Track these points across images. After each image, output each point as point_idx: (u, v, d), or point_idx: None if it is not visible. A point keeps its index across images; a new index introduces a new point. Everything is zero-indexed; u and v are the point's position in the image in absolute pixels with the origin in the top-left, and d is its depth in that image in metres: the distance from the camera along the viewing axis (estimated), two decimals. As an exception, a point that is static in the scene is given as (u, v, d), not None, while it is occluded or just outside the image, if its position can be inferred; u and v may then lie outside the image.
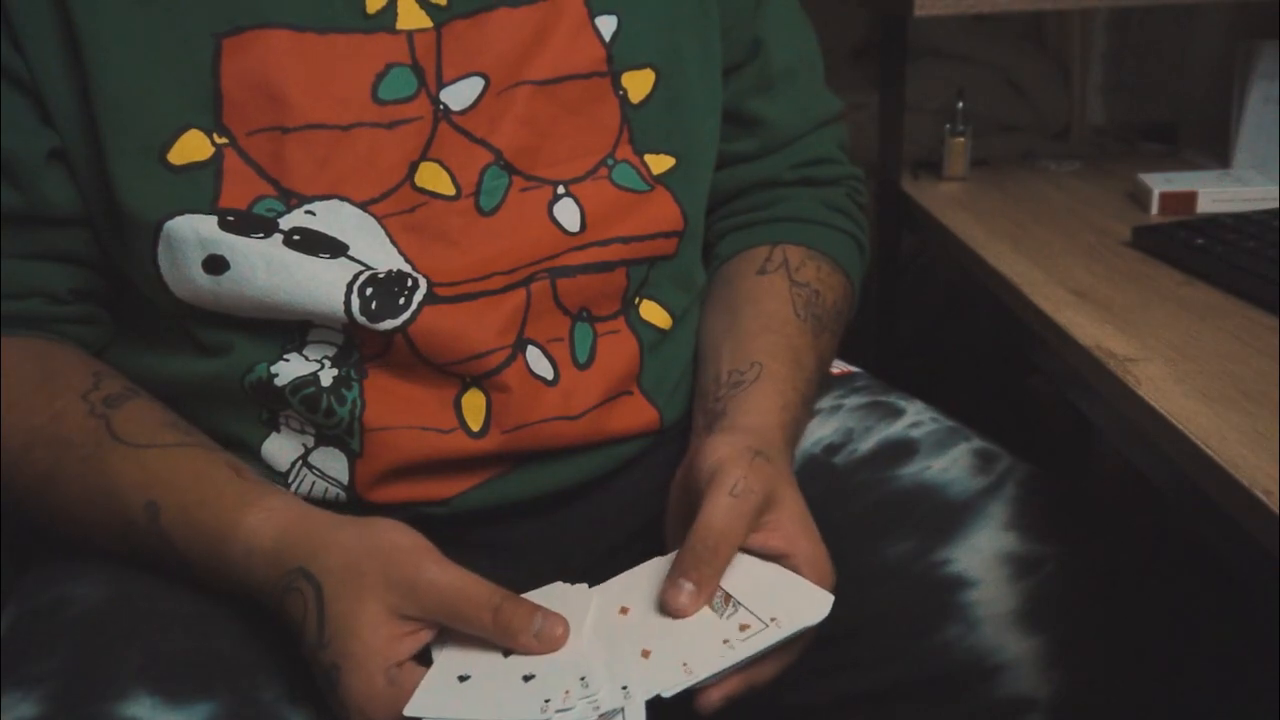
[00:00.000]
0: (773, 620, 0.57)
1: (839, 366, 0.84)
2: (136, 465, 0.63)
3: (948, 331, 1.58)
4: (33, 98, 0.64)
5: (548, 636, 0.57)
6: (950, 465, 0.72)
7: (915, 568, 0.68)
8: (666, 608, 0.59)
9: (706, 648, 0.57)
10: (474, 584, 0.57)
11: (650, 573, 0.62)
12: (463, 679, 0.56)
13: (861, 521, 0.70)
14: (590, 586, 0.63)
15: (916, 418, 0.76)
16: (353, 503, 0.67)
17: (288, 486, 0.68)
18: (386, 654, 0.56)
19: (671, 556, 0.61)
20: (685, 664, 0.56)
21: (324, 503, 0.68)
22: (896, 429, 0.75)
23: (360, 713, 0.56)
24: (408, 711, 0.55)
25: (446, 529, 0.69)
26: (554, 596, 0.61)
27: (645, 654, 0.57)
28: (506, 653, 0.58)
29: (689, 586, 0.58)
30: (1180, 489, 0.63)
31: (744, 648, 0.56)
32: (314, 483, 0.68)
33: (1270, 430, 0.60)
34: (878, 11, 1.29)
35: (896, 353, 1.36)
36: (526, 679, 0.56)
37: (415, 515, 0.68)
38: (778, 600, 0.59)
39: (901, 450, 0.74)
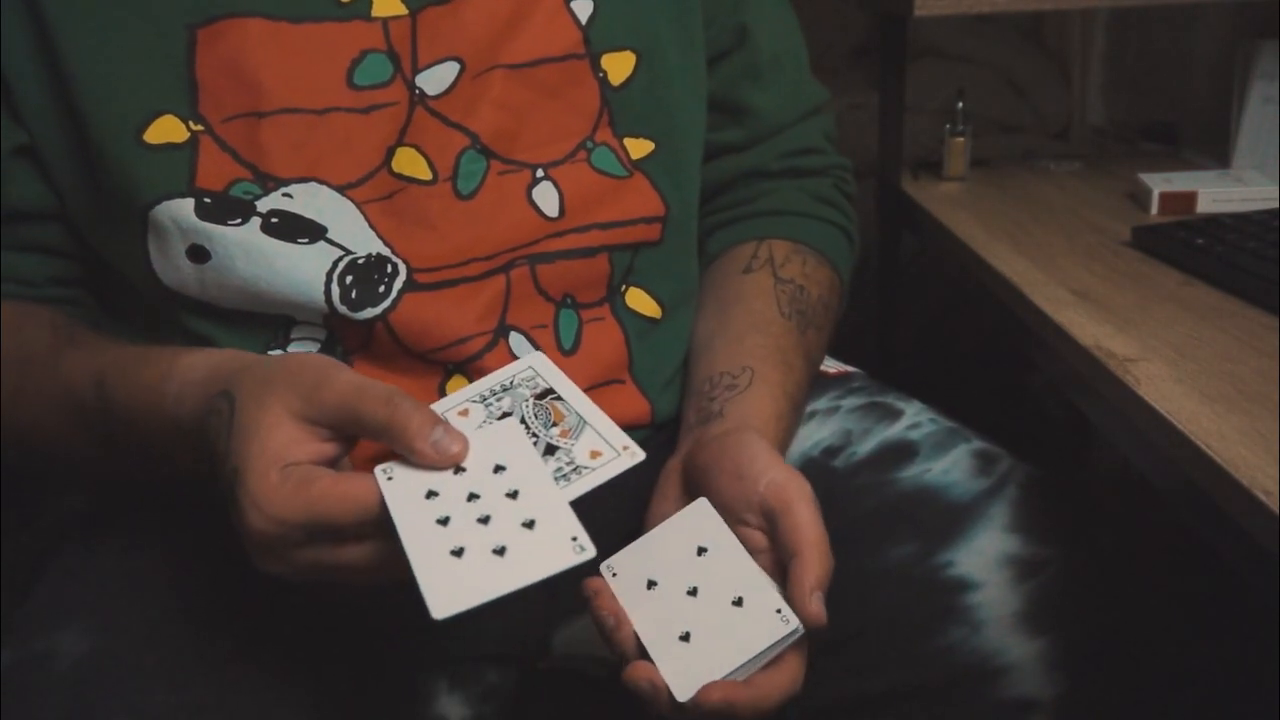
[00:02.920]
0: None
1: (835, 366, 0.83)
2: (88, 356, 0.63)
3: (948, 331, 1.58)
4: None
5: (444, 449, 0.53)
6: (951, 467, 0.72)
7: (917, 571, 0.68)
8: (814, 621, 0.57)
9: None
10: (373, 384, 0.54)
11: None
12: (456, 553, 0.52)
13: (862, 525, 0.70)
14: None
15: (915, 419, 0.76)
16: None
17: None
18: (282, 453, 0.53)
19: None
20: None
21: None
22: (895, 430, 0.75)
23: (254, 507, 0.52)
24: (437, 615, 0.50)
25: None
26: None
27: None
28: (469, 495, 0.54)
29: (819, 596, 0.57)
30: (1180, 489, 0.63)
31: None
32: None
33: (1270, 430, 0.60)
34: (878, 11, 1.29)
35: (896, 353, 1.36)
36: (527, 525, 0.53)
37: None
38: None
39: (901, 452, 0.73)
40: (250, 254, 0.64)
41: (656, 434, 0.74)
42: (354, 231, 0.66)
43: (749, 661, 0.56)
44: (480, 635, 0.69)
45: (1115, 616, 0.67)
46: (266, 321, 0.66)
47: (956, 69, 1.49)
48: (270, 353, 0.67)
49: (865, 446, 0.74)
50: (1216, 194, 1.03)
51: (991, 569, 0.67)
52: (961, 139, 1.20)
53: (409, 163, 0.67)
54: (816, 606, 0.56)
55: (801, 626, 0.56)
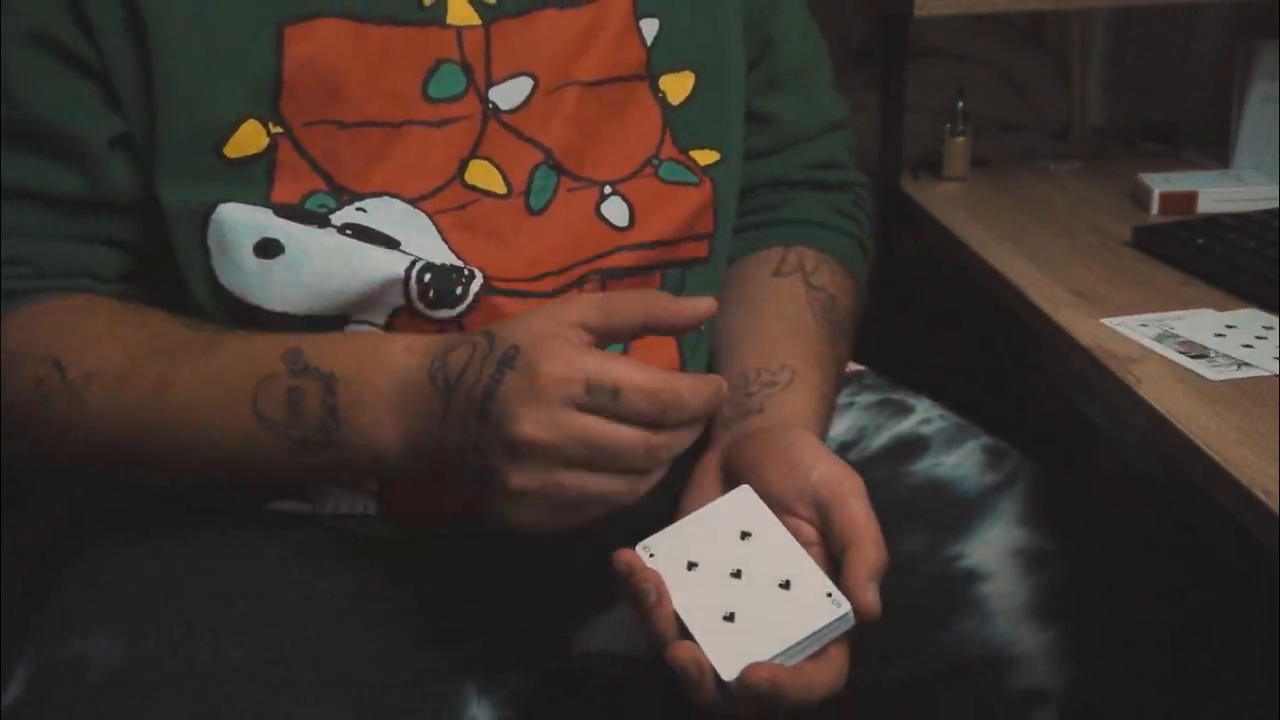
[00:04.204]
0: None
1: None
2: (265, 334, 0.62)
3: (948, 332, 1.58)
4: (101, 83, 0.63)
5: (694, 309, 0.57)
6: (962, 461, 0.73)
7: (929, 563, 0.69)
8: (870, 612, 0.56)
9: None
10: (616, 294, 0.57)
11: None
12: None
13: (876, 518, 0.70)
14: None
15: (926, 414, 0.77)
16: (381, 516, 0.67)
17: (308, 502, 0.67)
18: (565, 330, 0.55)
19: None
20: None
21: (349, 518, 0.67)
22: (907, 425, 0.76)
23: (549, 358, 0.53)
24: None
25: (475, 546, 0.68)
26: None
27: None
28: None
29: (875, 586, 0.57)
30: (1181, 489, 0.63)
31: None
32: (339, 495, 0.67)
33: (1270, 430, 0.60)
34: (878, 11, 1.29)
35: (896, 353, 1.36)
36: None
37: (443, 534, 0.68)
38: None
39: (913, 447, 0.74)
40: (327, 251, 0.63)
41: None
42: (426, 243, 0.65)
43: (798, 644, 0.55)
44: (502, 639, 0.69)
45: (1122, 609, 0.68)
46: (319, 325, 0.65)
47: (956, 69, 1.49)
48: None
49: (878, 441, 0.75)
50: (1216, 194, 1.03)
51: (1001, 561, 0.68)
52: (961, 139, 1.20)
53: (483, 175, 0.67)
54: (872, 596, 0.56)
55: (852, 611, 0.56)
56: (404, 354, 0.58)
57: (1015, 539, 0.69)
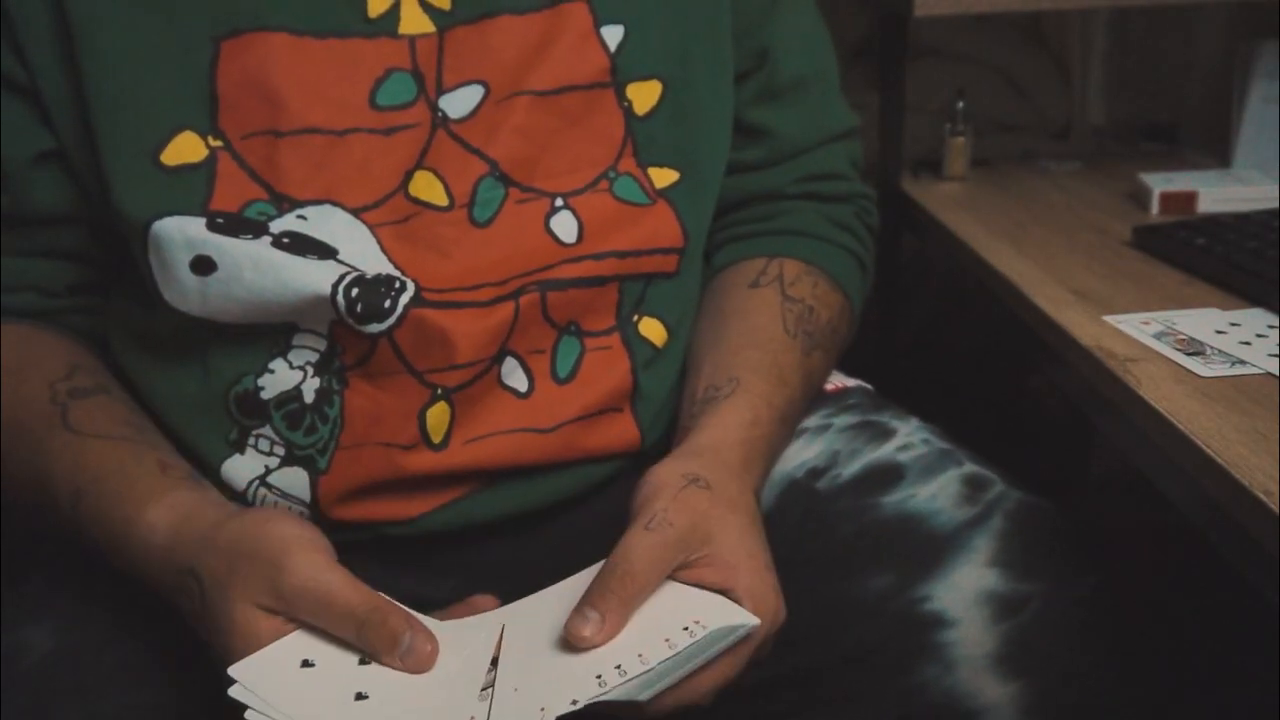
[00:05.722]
0: (693, 626, 0.56)
1: (834, 381, 0.81)
2: (72, 453, 0.64)
3: (947, 332, 1.58)
4: (28, 99, 0.65)
5: (416, 655, 0.56)
6: (937, 493, 0.69)
7: (893, 604, 0.66)
8: (569, 636, 0.56)
9: (621, 658, 0.55)
10: (341, 587, 0.56)
11: (564, 593, 0.60)
12: (306, 664, 0.56)
13: (840, 552, 0.68)
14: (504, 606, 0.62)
15: (907, 440, 0.73)
16: (316, 520, 0.66)
17: (248, 504, 0.67)
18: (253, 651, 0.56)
19: (581, 576, 0.60)
20: (599, 675, 0.54)
21: None
22: (884, 452, 0.72)
23: None
24: (231, 671, 0.54)
25: (413, 550, 0.68)
26: (464, 627, 0.60)
27: (554, 671, 0.56)
28: (364, 660, 0.57)
29: (594, 615, 0.56)
30: (1182, 489, 0.63)
31: (661, 654, 0.55)
32: (275, 502, 0.67)
33: (1270, 430, 0.60)
34: (878, 11, 1.29)
35: (896, 353, 1.36)
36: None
37: (379, 536, 0.68)
38: (700, 612, 0.57)
39: (887, 475, 0.71)
40: (259, 265, 0.63)
41: (643, 459, 0.70)
42: (365, 254, 0.65)
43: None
44: None
45: (1092, 664, 0.65)
46: (266, 333, 0.66)
47: (956, 69, 1.49)
48: (271, 365, 0.66)
49: (851, 468, 0.72)
50: (1216, 194, 1.03)
51: (969, 606, 0.65)
52: (961, 139, 1.20)
53: (426, 187, 0.67)
54: (588, 630, 0.56)
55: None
56: (143, 553, 0.60)
57: (986, 581, 0.65)
